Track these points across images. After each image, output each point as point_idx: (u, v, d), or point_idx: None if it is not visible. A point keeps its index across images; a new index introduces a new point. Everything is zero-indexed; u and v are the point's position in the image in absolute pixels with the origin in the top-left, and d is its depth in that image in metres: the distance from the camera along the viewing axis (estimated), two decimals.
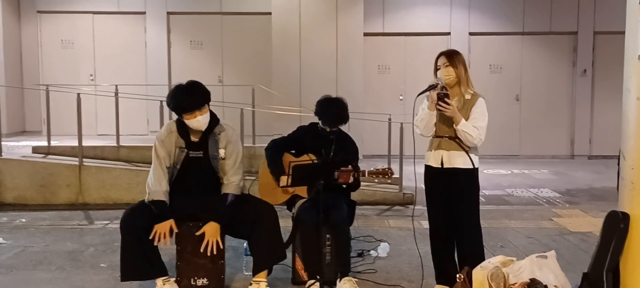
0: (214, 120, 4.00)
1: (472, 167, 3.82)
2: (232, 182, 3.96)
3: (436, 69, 3.89)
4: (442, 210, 3.95)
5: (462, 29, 11.87)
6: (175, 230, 3.88)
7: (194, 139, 3.97)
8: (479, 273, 3.61)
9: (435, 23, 11.88)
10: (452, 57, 3.84)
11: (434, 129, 3.87)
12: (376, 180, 4.43)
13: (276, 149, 4.57)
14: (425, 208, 4.12)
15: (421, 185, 4.07)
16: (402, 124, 7.59)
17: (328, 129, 4.52)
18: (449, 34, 11.85)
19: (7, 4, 11.28)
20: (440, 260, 4.03)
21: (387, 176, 4.29)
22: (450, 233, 3.98)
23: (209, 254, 3.85)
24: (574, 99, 12.15)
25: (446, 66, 3.82)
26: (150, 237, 3.79)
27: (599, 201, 7.96)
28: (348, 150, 4.52)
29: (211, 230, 3.85)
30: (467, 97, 3.83)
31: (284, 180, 4.29)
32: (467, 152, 3.80)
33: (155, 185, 3.89)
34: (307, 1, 10.70)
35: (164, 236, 3.79)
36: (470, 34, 11.88)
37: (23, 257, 5.07)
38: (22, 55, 11.80)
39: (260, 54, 11.54)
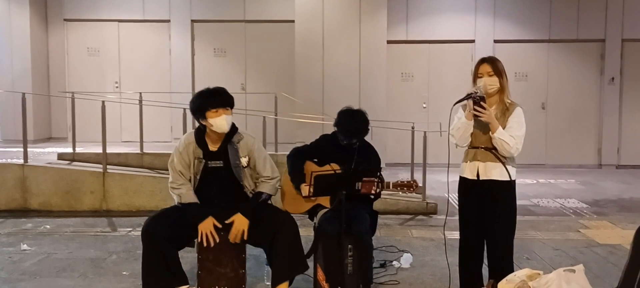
0: (232, 128, 3.98)
1: (508, 179, 3.71)
2: (268, 182, 4.00)
3: (476, 77, 3.77)
4: (475, 223, 3.86)
5: (487, 36, 11.71)
6: (219, 226, 3.87)
7: (212, 148, 3.96)
8: (505, 287, 3.53)
9: (460, 30, 11.74)
10: (496, 64, 3.74)
11: (470, 139, 3.77)
12: (401, 193, 4.34)
13: (298, 157, 4.54)
14: (448, 217, 4.04)
15: (446, 194, 4.00)
16: (425, 132, 7.51)
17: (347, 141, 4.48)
18: (473, 41, 11.69)
19: (34, 13, 11.49)
20: (467, 273, 3.95)
21: (412, 188, 4.16)
22: (480, 246, 3.89)
23: (233, 241, 3.85)
24: (602, 107, 11.91)
25: (491, 75, 3.71)
26: (198, 240, 3.82)
27: (628, 212, 7.78)
28: (370, 160, 4.46)
29: (240, 221, 3.85)
30: (506, 106, 3.74)
31: (305, 189, 4.26)
32: (503, 164, 3.69)
33: (181, 188, 3.91)
34: (330, 9, 10.69)
35: (211, 234, 3.82)
36: (495, 41, 11.70)
37: (47, 263, 5.12)
38: (49, 63, 11.99)
39: (283, 61, 11.57)
